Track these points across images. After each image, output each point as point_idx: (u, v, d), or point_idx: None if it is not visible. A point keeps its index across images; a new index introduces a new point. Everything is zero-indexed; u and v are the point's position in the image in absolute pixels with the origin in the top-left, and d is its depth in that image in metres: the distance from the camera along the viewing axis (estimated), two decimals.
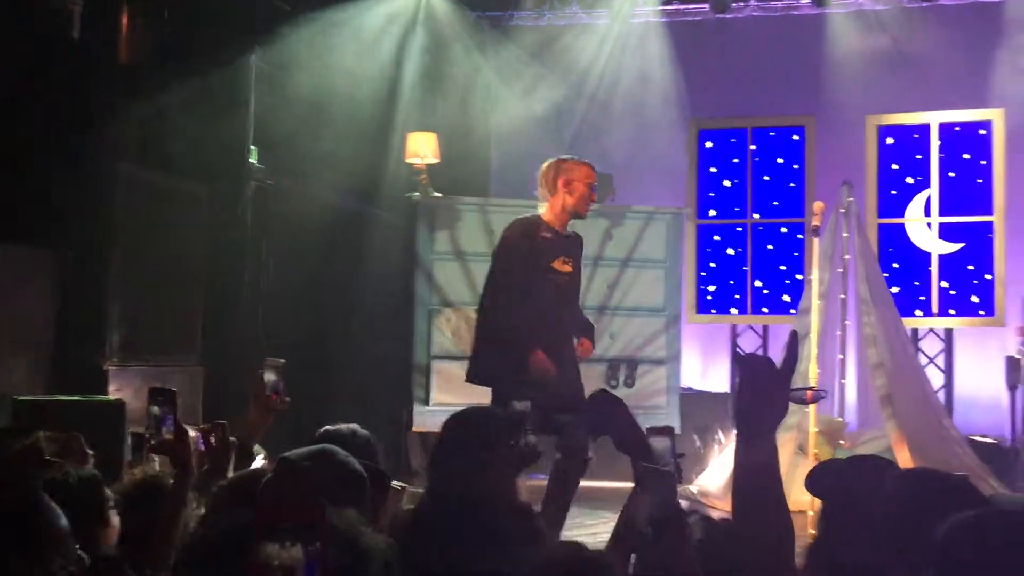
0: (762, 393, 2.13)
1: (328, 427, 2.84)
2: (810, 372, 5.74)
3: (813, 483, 2.94)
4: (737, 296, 8.35)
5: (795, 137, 8.12)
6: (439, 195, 7.62)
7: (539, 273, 4.61)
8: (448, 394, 7.64)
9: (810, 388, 4.88)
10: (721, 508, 5.66)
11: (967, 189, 7.82)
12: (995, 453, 7.57)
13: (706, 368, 9.26)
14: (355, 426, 2.90)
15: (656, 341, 8.35)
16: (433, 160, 7.54)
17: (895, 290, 7.72)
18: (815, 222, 5.62)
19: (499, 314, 4.59)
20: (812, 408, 5.47)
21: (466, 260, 7.85)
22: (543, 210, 4.69)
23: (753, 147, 8.20)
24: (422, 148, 7.54)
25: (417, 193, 7.56)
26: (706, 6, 8.27)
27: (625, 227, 8.43)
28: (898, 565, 2.07)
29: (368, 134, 7.39)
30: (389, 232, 7.73)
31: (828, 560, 2.57)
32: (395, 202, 7.69)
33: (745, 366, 2.20)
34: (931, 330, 8.13)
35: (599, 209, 8.41)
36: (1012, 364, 7.54)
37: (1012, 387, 7.56)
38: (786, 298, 8.16)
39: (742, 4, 8.24)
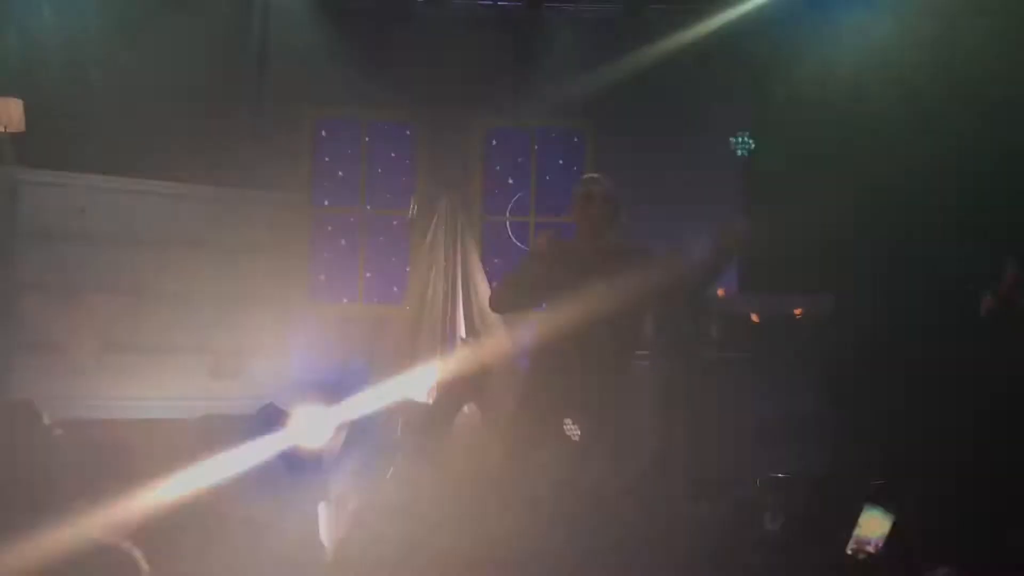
0: None
1: None
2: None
3: None
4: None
5: (407, 132, 8.30)
6: None
7: None
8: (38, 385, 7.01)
9: None
10: None
11: (561, 192, 8.42)
12: None
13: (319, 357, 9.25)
14: None
15: (264, 329, 8.22)
16: (17, 128, 6.87)
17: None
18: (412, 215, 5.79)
19: None
20: None
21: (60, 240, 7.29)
22: None
23: (366, 139, 8.28)
24: (5, 114, 6.85)
25: None
26: None
27: (236, 211, 8.20)
28: None
29: None
30: None
31: None
32: None
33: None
34: None
35: (208, 193, 8.12)
36: None
37: None
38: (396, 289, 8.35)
39: None
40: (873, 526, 2.36)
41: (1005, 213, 6.86)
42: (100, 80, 7.83)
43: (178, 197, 7.94)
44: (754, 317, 7.93)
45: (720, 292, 8.04)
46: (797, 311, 7.75)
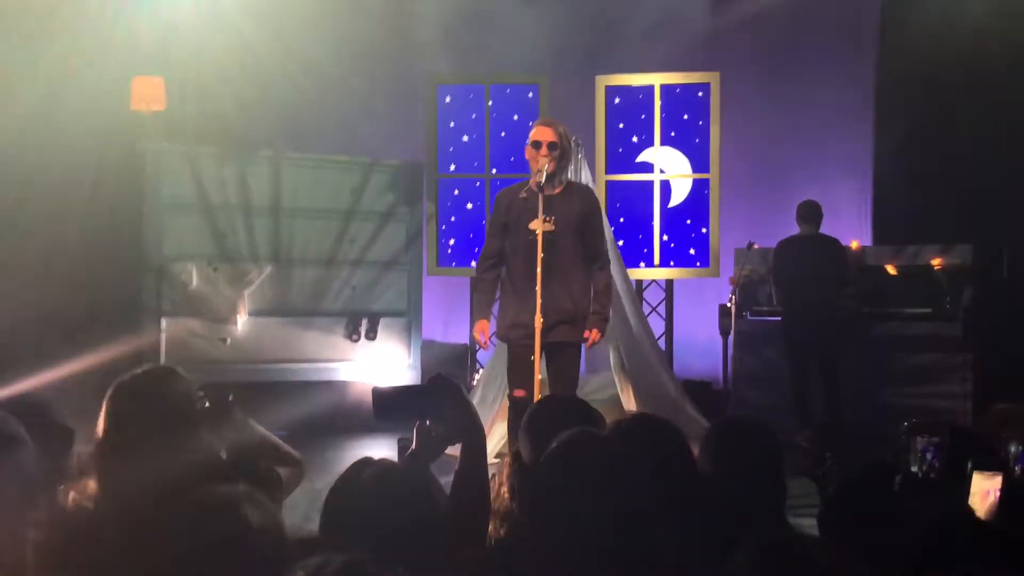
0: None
1: None
2: (535, 322, 5.94)
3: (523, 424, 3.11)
4: (476, 249, 8.51)
5: (530, 95, 8.33)
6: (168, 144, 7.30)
7: (516, 234, 5.07)
8: (184, 350, 7.39)
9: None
10: None
11: (686, 148, 8.32)
12: (708, 395, 8.19)
13: (448, 321, 9.44)
14: None
15: (397, 294, 8.44)
16: (159, 107, 7.20)
17: (620, 243, 8.13)
18: (537, 178, 5.80)
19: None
20: (536, 357, 5.66)
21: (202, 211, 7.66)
22: None
23: (490, 103, 8.35)
24: (149, 93, 7.18)
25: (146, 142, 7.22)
26: None
27: (366, 180, 8.43)
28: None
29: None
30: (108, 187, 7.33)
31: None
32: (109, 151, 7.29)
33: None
34: (654, 281, 8.64)
35: (342, 163, 8.37)
36: (724, 312, 8.15)
37: (724, 333, 8.18)
38: None
39: None
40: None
41: None
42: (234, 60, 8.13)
43: (314, 166, 8.22)
44: (890, 268, 7.71)
45: (854, 244, 7.85)
46: (936, 261, 7.50)
